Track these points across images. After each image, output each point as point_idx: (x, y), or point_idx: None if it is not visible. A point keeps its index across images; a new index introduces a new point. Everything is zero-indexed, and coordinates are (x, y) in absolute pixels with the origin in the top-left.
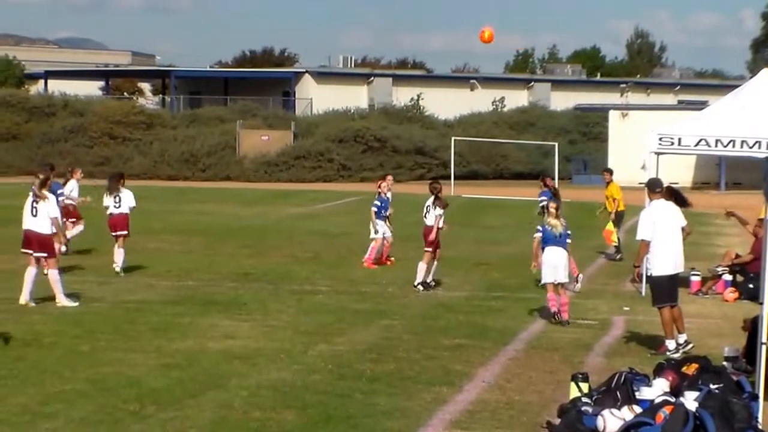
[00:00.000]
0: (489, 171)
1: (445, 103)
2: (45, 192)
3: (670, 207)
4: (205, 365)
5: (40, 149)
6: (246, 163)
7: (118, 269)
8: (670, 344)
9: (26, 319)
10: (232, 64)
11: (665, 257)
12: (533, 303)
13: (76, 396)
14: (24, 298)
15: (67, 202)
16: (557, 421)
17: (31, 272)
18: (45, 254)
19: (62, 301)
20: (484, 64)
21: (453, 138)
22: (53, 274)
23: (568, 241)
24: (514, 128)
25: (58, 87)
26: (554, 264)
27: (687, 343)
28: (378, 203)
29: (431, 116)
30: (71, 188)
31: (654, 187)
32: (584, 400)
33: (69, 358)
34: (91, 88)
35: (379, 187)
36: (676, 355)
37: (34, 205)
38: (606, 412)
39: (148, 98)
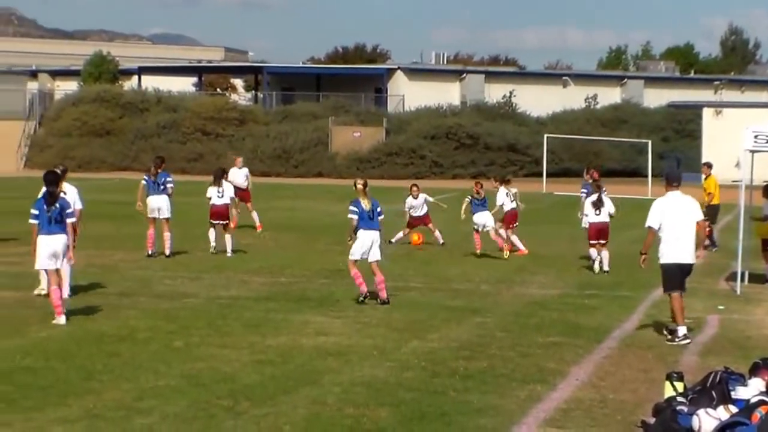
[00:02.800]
0: (581, 168)
1: (537, 100)
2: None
3: (685, 200)
4: (298, 361)
5: (134, 145)
6: (338, 160)
7: (229, 254)
8: (681, 330)
9: (121, 315)
10: (325, 60)
11: (672, 247)
12: (628, 301)
13: (170, 391)
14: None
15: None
16: (652, 420)
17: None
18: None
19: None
20: (577, 61)
21: (546, 135)
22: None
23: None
24: (607, 125)
25: (151, 83)
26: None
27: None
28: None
29: (523, 113)
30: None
31: (671, 179)
32: (679, 399)
33: (163, 354)
34: (184, 84)
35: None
36: (683, 342)
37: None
38: (701, 412)
39: (240, 94)
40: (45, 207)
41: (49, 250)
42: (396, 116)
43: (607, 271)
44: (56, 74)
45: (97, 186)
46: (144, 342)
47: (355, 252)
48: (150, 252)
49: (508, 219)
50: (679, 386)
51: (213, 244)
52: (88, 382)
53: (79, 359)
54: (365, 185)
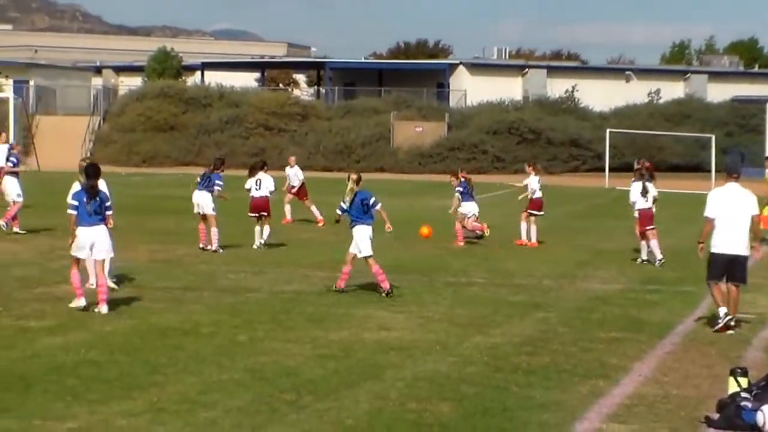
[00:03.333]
0: None
1: (599, 95)
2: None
3: (742, 193)
4: (360, 356)
5: (197, 140)
6: (400, 155)
7: (260, 243)
8: (722, 311)
9: (185, 309)
10: (387, 55)
11: (723, 237)
12: (690, 296)
13: (233, 385)
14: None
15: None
16: (716, 416)
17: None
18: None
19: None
20: (640, 55)
21: (608, 130)
22: None
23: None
24: (670, 120)
25: (214, 78)
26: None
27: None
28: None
29: (586, 108)
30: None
31: (731, 170)
32: (743, 395)
33: (227, 348)
34: (247, 80)
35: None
36: (725, 320)
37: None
38: (766, 408)
39: (303, 89)
40: (86, 199)
41: (89, 242)
42: (458, 111)
43: (662, 259)
44: (120, 70)
45: (160, 181)
46: (208, 336)
47: (352, 247)
48: (201, 245)
49: (533, 205)
50: (743, 382)
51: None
52: (153, 376)
53: (143, 353)
54: (358, 180)
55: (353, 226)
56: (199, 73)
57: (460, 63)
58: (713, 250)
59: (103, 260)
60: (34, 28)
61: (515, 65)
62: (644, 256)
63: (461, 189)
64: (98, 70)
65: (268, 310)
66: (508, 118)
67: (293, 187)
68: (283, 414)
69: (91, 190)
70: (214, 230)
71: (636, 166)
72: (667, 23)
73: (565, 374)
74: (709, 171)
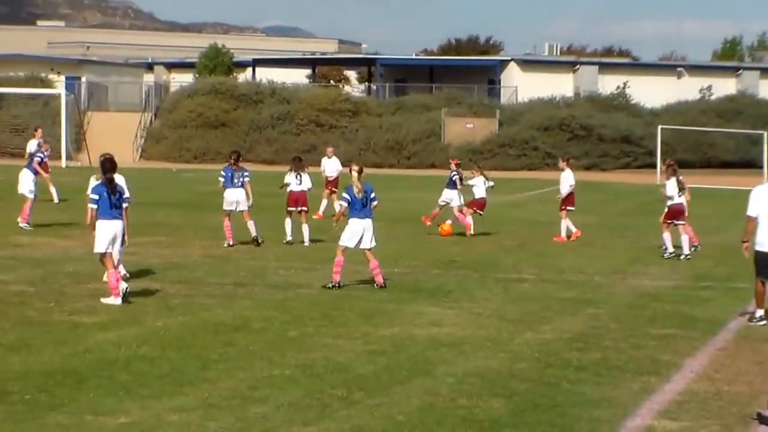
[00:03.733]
0: (696, 160)
1: (651, 92)
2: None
3: None
4: (411, 352)
5: (248, 136)
6: (451, 151)
7: (306, 244)
8: (758, 312)
9: (236, 305)
10: (438, 51)
11: (764, 234)
12: (742, 293)
13: (284, 381)
14: None
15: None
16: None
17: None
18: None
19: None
20: (692, 51)
21: (659, 126)
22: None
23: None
24: (722, 116)
25: (265, 75)
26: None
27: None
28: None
29: (637, 104)
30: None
31: None
32: None
33: (278, 344)
34: (298, 76)
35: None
36: (759, 324)
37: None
38: None
39: (354, 86)
40: (107, 194)
41: (111, 235)
42: (509, 107)
43: (688, 255)
44: (172, 66)
45: (211, 177)
46: (259, 332)
47: (345, 240)
48: (230, 243)
49: (568, 201)
50: None
51: (288, 235)
52: (204, 371)
53: (194, 348)
54: (360, 171)
55: (353, 218)
56: (250, 69)
57: (512, 59)
58: (757, 248)
59: (119, 252)
60: (86, 25)
61: (566, 62)
62: (671, 248)
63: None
64: (150, 67)
65: (319, 306)
66: (559, 114)
67: (329, 179)
68: (334, 410)
69: (110, 184)
70: (251, 222)
71: (668, 163)
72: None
73: (616, 370)
74: (761, 167)
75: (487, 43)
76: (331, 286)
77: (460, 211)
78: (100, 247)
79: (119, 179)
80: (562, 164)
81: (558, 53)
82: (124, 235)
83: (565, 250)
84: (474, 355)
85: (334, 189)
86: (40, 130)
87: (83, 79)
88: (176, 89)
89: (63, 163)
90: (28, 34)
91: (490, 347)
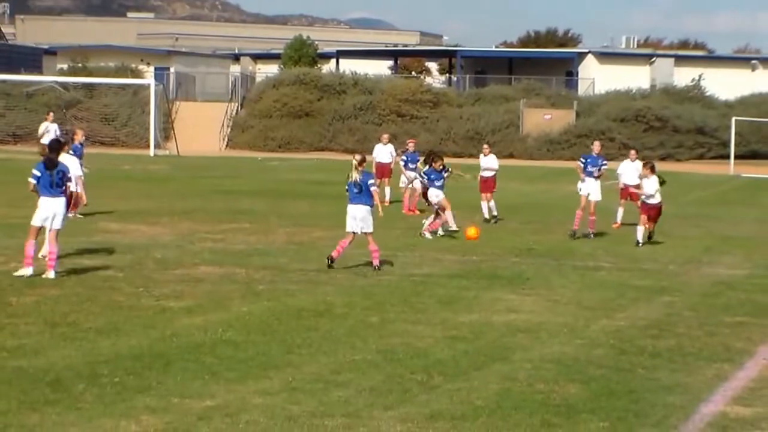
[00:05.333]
0: None
1: (725, 84)
2: None
3: None
4: (489, 338)
5: (331, 126)
6: (529, 141)
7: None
8: None
9: (319, 291)
10: (517, 44)
11: None
12: None
13: (366, 365)
14: None
15: None
16: None
17: None
18: None
19: None
20: (766, 44)
21: (733, 118)
22: None
23: None
24: None
25: (348, 66)
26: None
27: None
28: (405, 158)
29: (711, 96)
30: None
31: None
32: None
33: (359, 329)
34: (380, 68)
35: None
36: None
37: None
38: None
39: (435, 77)
40: (47, 173)
41: (49, 212)
42: (586, 99)
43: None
44: (258, 57)
45: (295, 166)
46: (341, 317)
47: (348, 224)
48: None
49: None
50: None
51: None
52: (288, 356)
53: (279, 333)
54: (361, 162)
55: (349, 205)
56: (334, 60)
57: (589, 52)
58: None
59: (57, 230)
60: (175, 17)
61: (643, 54)
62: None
63: (405, 158)
64: (236, 58)
65: (400, 292)
66: (635, 105)
67: (383, 165)
68: (414, 394)
69: (48, 162)
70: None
71: (645, 162)
72: None
73: (690, 357)
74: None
75: (566, 35)
76: (329, 262)
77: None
78: (36, 221)
79: (67, 160)
80: (645, 171)
81: (635, 46)
82: (63, 214)
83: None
84: (551, 341)
85: (387, 176)
86: (51, 114)
87: (172, 70)
88: (262, 80)
89: (151, 151)
90: (118, 25)
91: (566, 334)
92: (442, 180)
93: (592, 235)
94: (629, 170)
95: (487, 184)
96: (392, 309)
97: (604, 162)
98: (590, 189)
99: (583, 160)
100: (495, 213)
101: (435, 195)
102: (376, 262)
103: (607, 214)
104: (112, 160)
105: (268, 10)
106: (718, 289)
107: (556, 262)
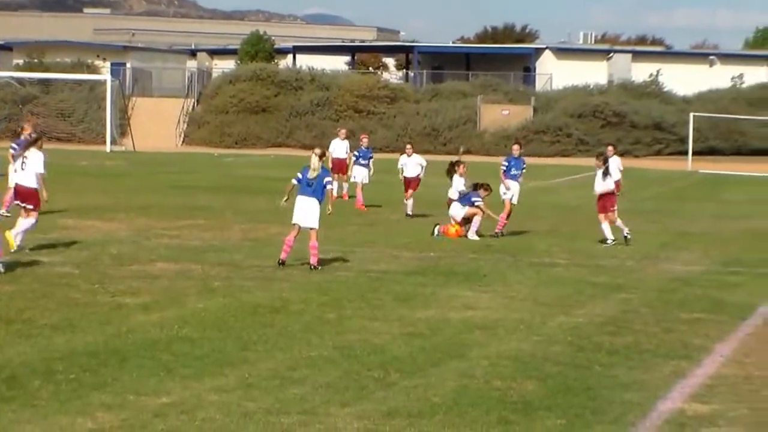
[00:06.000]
0: (727, 147)
1: (683, 79)
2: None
3: None
4: (446, 335)
5: (288, 122)
6: (486, 137)
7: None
8: None
9: (275, 287)
10: (474, 40)
11: None
12: None
13: (322, 362)
14: None
15: None
16: None
17: None
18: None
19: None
20: (724, 40)
21: (691, 114)
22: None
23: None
24: (754, 105)
25: (305, 61)
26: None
27: None
28: (357, 153)
29: (669, 92)
30: None
31: None
32: None
33: (316, 325)
34: (337, 63)
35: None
36: None
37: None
38: None
39: (392, 73)
40: None
41: None
42: (543, 95)
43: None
44: (214, 53)
45: (252, 162)
46: (297, 314)
47: (294, 216)
48: None
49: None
50: None
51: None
52: (243, 352)
53: (234, 330)
54: (321, 155)
55: (299, 196)
56: (290, 56)
57: (547, 47)
58: None
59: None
60: (132, 13)
61: (600, 50)
62: (610, 236)
63: (357, 154)
64: (193, 53)
65: (356, 288)
66: (592, 101)
67: (336, 160)
68: (370, 391)
69: None
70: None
71: (598, 153)
72: (750, 8)
73: (647, 354)
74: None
75: (523, 31)
76: (279, 262)
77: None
78: None
79: (33, 156)
80: (610, 152)
81: (592, 42)
82: None
83: (596, 235)
84: (507, 338)
85: (344, 172)
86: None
87: (128, 65)
88: (218, 75)
89: (108, 147)
90: (74, 21)
91: (523, 330)
92: (469, 203)
93: (499, 235)
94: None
95: (407, 183)
96: (349, 305)
97: (524, 165)
98: (514, 192)
99: (506, 163)
100: (410, 211)
101: (456, 210)
102: (313, 260)
103: (587, 211)
104: (69, 156)
105: (225, 5)
106: (674, 286)
107: (512, 258)
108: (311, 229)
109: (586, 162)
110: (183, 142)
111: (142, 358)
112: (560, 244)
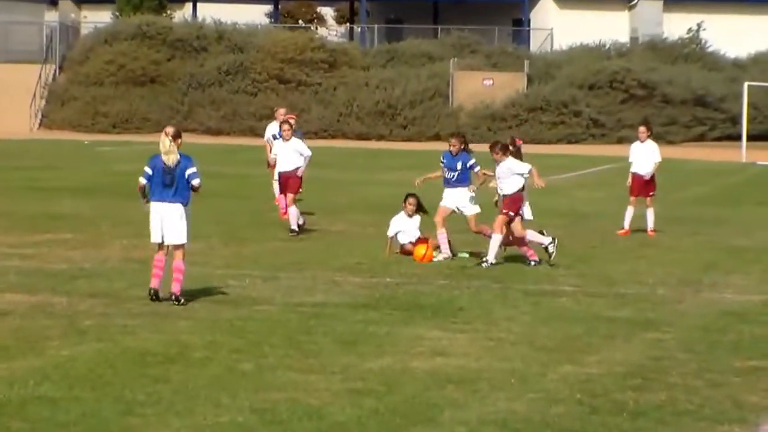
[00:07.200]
0: None
1: (735, 36)
2: None
3: None
4: (408, 391)
5: (187, 97)
6: (462, 117)
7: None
8: None
9: (169, 327)
10: None
11: None
12: None
13: (236, 431)
14: None
15: None
16: None
17: None
18: None
19: None
20: None
21: (746, 84)
22: None
23: None
24: None
25: (210, 13)
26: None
27: None
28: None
29: (715, 53)
30: None
31: None
32: None
33: (227, 380)
34: (255, 15)
35: None
36: None
37: None
38: None
39: (330, 28)
40: None
41: None
42: (541, 58)
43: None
44: (83, 2)
45: (137, 153)
46: (200, 364)
47: (152, 231)
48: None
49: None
50: None
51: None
52: (126, 418)
53: (113, 387)
54: (176, 136)
55: (152, 201)
56: (189, 5)
57: None
58: None
59: None
60: None
61: None
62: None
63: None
64: (53, 2)
65: (282, 328)
66: (609, 67)
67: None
68: None
69: None
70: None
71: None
72: None
73: (686, 417)
74: None
75: None
76: (151, 295)
77: None
78: None
79: None
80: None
81: None
82: None
83: (617, 252)
84: (493, 395)
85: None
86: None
87: None
88: (89, 32)
89: None
90: None
91: (514, 385)
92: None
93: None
94: (640, 154)
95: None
96: (272, 352)
97: (473, 162)
98: (456, 201)
99: (443, 162)
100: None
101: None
102: (175, 288)
103: (603, 219)
104: None
105: None
106: (725, 322)
107: (499, 284)
108: (177, 246)
109: (601, 151)
110: (40, 125)
111: None
112: (566, 265)
